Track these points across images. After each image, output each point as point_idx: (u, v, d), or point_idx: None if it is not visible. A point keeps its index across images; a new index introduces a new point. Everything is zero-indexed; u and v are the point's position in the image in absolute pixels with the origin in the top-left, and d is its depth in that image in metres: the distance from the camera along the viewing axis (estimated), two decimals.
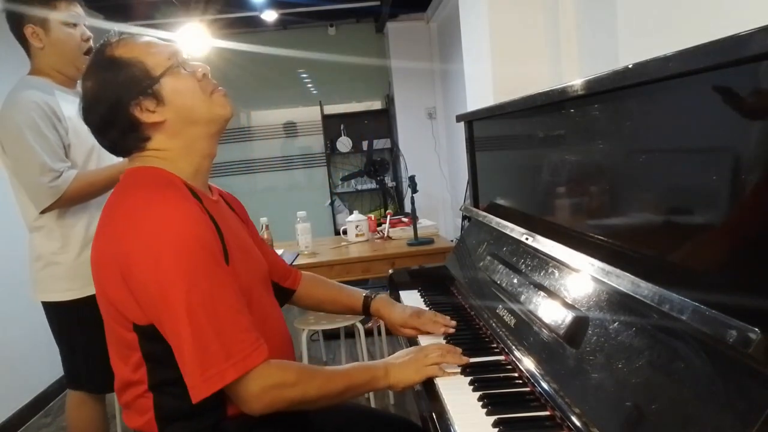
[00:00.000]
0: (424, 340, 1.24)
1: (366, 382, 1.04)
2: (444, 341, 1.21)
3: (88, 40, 1.69)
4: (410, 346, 1.26)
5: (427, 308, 1.44)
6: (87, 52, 1.68)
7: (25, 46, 1.67)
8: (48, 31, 1.63)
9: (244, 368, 0.89)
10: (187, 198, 0.97)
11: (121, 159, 1.79)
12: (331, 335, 3.24)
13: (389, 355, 1.14)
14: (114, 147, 1.04)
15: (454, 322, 1.26)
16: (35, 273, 1.72)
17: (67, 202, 1.63)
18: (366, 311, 1.36)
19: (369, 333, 2.87)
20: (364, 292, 1.37)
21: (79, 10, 1.68)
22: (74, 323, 1.72)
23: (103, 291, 0.97)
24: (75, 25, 1.67)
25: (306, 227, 2.72)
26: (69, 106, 1.66)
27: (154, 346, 0.93)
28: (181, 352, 0.89)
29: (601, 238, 0.98)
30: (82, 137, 1.67)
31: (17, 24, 1.63)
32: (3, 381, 2.65)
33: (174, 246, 0.89)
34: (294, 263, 2.47)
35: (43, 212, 1.63)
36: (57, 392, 3.02)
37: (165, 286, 0.88)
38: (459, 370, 1.05)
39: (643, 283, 0.77)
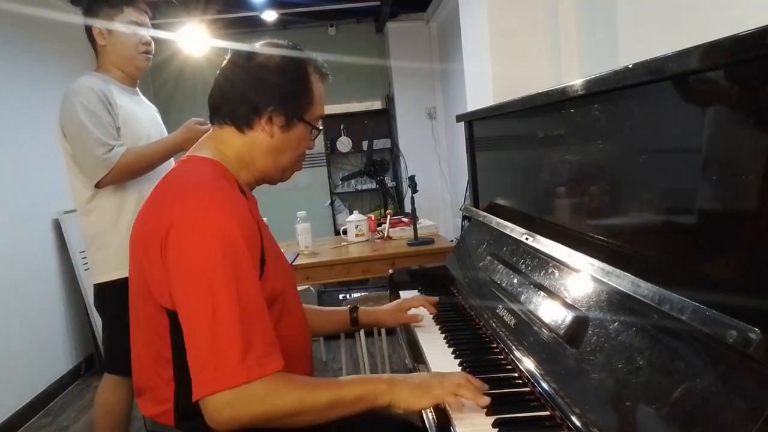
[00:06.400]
0: (422, 339, 1.25)
1: (360, 397, 0.90)
2: (448, 347, 1.21)
3: (147, 44, 1.88)
4: (409, 344, 1.26)
5: None
6: (146, 53, 1.87)
7: (93, 44, 1.86)
8: (111, 31, 1.82)
9: (256, 374, 0.84)
10: (238, 194, 0.98)
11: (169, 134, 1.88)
12: (331, 336, 3.23)
13: (389, 354, 1.14)
14: (236, 106, 1.04)
15: (436, 299, 1.43)
16: (90, 256, 1.84)
17: (120, 175, 1.74)
18: (354, 323, 1.37)
19: (369, 333, 2.87)
20: (345, 308, 1.39)
21: (144, 18, 1.88)
22: (124, 303, 1.74)
23: (140, 269, 0.95)
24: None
25: (306, 227, 2.72)
26: (124, 98, 1.82)
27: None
28: (196, 344, 0.85)
29: (601, 238, 0.98)
30: (132, 128, 1.81)
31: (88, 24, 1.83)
32: (3, 381, 2.65)
33: (221, 237, 0.88)
34: (294, 263, 2.47)
35: (98, 186, 1.74)
36: (57, 392, 3.01)
37: (200, 273, 0.86)
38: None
39: (643, 283, 0.77)
